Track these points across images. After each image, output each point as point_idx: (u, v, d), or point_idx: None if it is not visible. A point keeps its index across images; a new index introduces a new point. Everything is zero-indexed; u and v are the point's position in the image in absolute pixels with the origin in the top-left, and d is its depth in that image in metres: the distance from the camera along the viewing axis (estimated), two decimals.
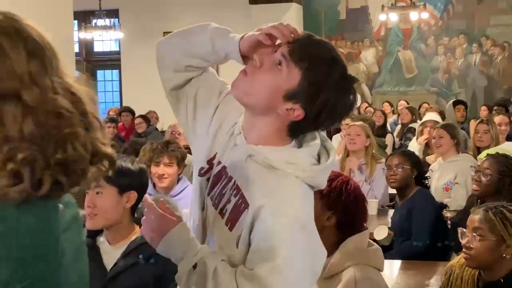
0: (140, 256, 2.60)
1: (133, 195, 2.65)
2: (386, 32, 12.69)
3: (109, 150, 1.36)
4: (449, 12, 12.45)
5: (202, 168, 1.87)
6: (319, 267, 1.73)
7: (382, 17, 11.16)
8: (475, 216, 2.69)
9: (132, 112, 11.17)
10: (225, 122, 1.87)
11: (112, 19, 12.89)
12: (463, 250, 2.71)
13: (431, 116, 7.52)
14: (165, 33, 13.15)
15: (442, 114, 8.20)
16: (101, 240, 2.71)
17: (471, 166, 4.57)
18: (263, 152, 1.73)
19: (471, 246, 2.65)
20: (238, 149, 1.78)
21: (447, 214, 4.68)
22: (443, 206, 4.71)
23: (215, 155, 1.85)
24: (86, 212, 2.63)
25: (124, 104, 12.87)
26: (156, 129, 9.90)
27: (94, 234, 2.71)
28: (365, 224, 2.62)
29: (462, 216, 4.43)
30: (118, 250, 2.65)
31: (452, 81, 12.56)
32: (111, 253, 2.66)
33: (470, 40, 12.39)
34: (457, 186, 5.13)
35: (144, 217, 1.79)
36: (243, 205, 1.71)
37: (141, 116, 10.31)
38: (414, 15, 10.92)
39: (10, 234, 1.19)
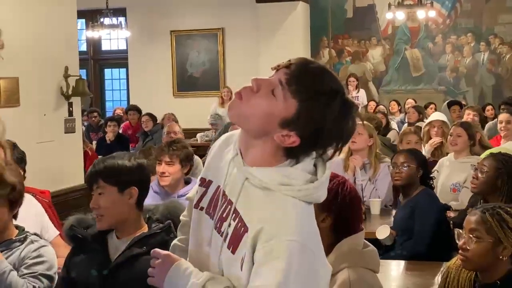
0: (144, 248, 2.68)
1: (134, 190, 2.73)
2: (393, 30, 12.65)
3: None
4: (457, 10, 12.39)
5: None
6: (323, 286, 1.73)
7: (389, 15, 11.12)
8: (472, 217, 2.67)
9: (139, 110, 11.21)
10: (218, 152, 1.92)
11: (119, 18, 12.89)
12: (459, 251, 2.69)
13: (438, 115, 7.48)
14: (172, 31, 13.26)
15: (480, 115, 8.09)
16: (111, 234, 2.81)
17: (471, 165, 4.55)
18: (258, 175, 1.73)
19: (468, 247, 2.63)
20: (236, 172, 1.79)
21: (451, 214, 4.65)
22: (447, 207, 4.68)
23: (206, 179, 1.90)
24: (94, 214, 2.74)
25: (131, 103, 12.88)
26: (163, 127, 9.88)
27: (105, 231, 2.81)
28: (361, 225, 2.61)
29: (463, 216, 4.41)
30: (125, 243, 2.75)
31: (460, 80, 12.50)
32: (118, 246, 2.76)
33: (478, 38, 12.33)
34: (465, 190, 5.09)
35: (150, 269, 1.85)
36: (243, 228, 1.73)
37: (148, 114, 10.33)
38: (421, 13, 10.87)
39: None
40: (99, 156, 7.70)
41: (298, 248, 1.64)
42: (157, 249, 1.86)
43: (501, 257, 2.60)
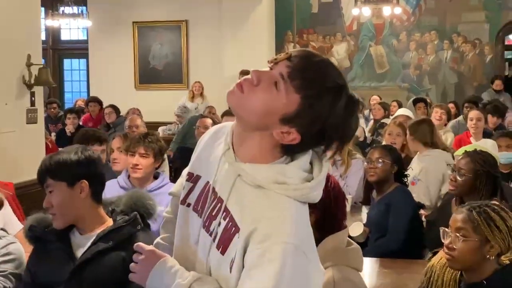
0: (110, 243, 2.58)
1: (84, 184, 2.62)
2: (358, 26, 12.65)
3: None
4: (421, 8, 12.44)
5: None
6: None
7: (355, 11, 11.10)
8: (458, 216, 2.60)
9: (99, 102, 11.01)
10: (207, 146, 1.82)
11: (80, 7, 12.65)
12: (445, 250, 2.62)
13: (403, 111, 7.49)
14: (134, 22, 13.05)
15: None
16: (73, 231, 2.69)
17: (448, 164, 4.52)
18: (251, 171, 1.63)
19: (454, 246, 2.57)
20: (227, 168, 1.68)
21: (422, 211, 4.62)
22: (421, 205, 4.66)
23: (194, 174, 1.80)
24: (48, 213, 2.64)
25: (91, 94, 12.65)
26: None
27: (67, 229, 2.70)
28: (344, 223, 2.52)
29: (437, 215, 4.38)
30: (89, 239, 2.64)
31: (423, 77, 12.57)
32: (81, 243, 2.65)
33: (442, 36, 12.41)
34: (420, 183, 5.11)
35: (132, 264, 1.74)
36: (234, 228, 1.62)
37: (111, 106, 10.14)
38: (387, 10, 10.87)
39: None
40: (59, 148, 7.56)
41: (292, 251, 1.54)
42: (141, 244, 1.74)
43: (488, 256, 2.55)
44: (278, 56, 1.63)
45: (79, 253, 2.61)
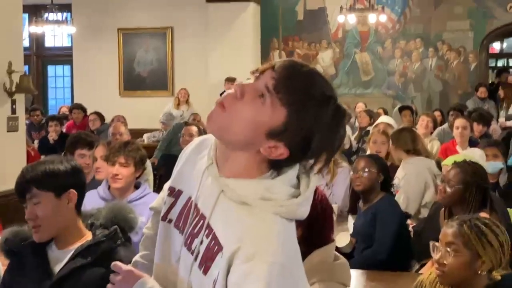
0: (89, 258, 2.49)
1: (73, 194, 2.54)
2: (344, 34, 12.63)
3: None
4: (406, 15, 12.44)
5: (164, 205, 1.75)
6: None
7: (341, 18, 11.08)
8: (449, 230, 2.55)
9: (83, 109, 10.93)
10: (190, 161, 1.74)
11: (64, 13, 12.55)
12: (436, 266, 2.56)
13: (384, 118, 7.48)
14: (119, 29, 12.96)
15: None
16: (50, 245, 2.58)
17: (437, 175, 4.48)
18: (235, 187, 1.55)
19: (445, 262, 2.51)
20: (211, 183, 1.61)
21: (409, 221, 4.58)
22: (408, 215, 4.62)
23: (175, 189, 1.72)
24: (30, 225, 2.52)
25: (75, 101, 12.53)
26: None
27: (44, 242, 2.58)
28: (332, 236, 2.47)
29: (425, 225, 4.34)
30: (67, 254, 2.54)
31: (408, 85, 12.56)
32: (59, 257, 2.55)
33: (427, 44, 12.41)
34: (400, 191, 5.09)
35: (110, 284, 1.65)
36: (217, 247, 1.54)
37: (95, 113, 10.06)
38: (372, 18, 10.87)
39: None
40: (42, 156, 7.45)
41: (278, 270, 1.47)
42: (118, 263, 1.66)
43: (479, 272, 2.49)
44: (260, 67, 1.57)
45: (56, 268, 2.51)
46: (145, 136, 10.87)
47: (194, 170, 1.69)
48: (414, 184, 5.21)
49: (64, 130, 9.96)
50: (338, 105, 1.55)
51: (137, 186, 4.03)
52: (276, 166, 1.57)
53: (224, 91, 11.30)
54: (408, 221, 4.58)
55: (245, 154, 1.56)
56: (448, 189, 3.69)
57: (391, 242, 4.17)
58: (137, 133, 10.16)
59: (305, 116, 1.50)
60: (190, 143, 1.82)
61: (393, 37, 12.52)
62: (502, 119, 10.72)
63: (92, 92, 12.67)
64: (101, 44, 12.87)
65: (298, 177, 1.61)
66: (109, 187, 3.99)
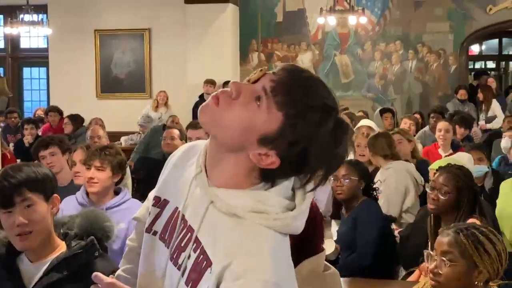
0: (65, 272, 2.33)
1: (57, 199, 2.42)
2: (323, 36, 12.54)
3: None
4: (386, 17, 12.39)
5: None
6: None
7: (321, 20, 10.99)
8: (444, 239, 2.45)
9: (60, 111, 10.78)
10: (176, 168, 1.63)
11: (40, 15, 12.35)
12: (430, 276, 2.46)
13: (365, 122, 7.43)
14: (96, 30, 12.77)
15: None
16: (21, 258, 2.40)
17: (426, 183, 4.38)
18: (226, 198, 1.44)
19: (440, 271, 2.41)
20: (199, 193, 1.49)
21: (394, 226, 4.51)
22: (392, 219, 4.53)
23: (161, 199, 1.61)
24: (14, 233, 2.31)
25: (51, 103, 12.34)
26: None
27: (13, 254, 2.40)
28: (322, 245, 2.36)
29: (411, 231, 4.25)
30: (41, 267, 2.36)
31: (388, 87, 12.51)
32: (32, 271, 2.37)
33: (407, 46, 12.36)
34: (381, 196, 5.03)
35: None
36: (205, 262, 1.43)
37: (68, 117, 9.92)
38: (352, 19, 10.80)
39: None
40: (18, 160, 7.28)
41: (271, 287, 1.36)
42: (99, 274, 1.51)
43: (476, 283, 2.39)
44: (251, 76, 1.46)
45: (29, 284, 2.35)
46: (123, 139, 10.72)
47: (181, 178, 1.58)
48: (394, 188, 5.15)
49: (40, 133, 9.78)
50: (340, 119, 1.44)
51: (117, 192, 3.91)
52: (268, 177, 1.46)
53: (203, 94, 11.20)
54: (394, 226, 4.50)
55: (234, 159, 1.45)
56: (441, 197, 3.52)
57: (374, 246, 4.11)
58: (114, 136, 10.01)
59: (302, 125, 1.40)
60: (176, 150, 1.71)
61: (373, 39, 12.46)
62: (482, 122, 10.70)
63: (68, 94, 12.48)
64: (78, 45, 12.68)
65: (293, 189, 1.50)
66: (87, 193, 3.86)
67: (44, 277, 2.34)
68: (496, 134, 8.89)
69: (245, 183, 1.46)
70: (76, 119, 9.87)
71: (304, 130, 1.40)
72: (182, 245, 1.49)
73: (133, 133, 10.81)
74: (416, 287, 2.67)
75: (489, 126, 10.46)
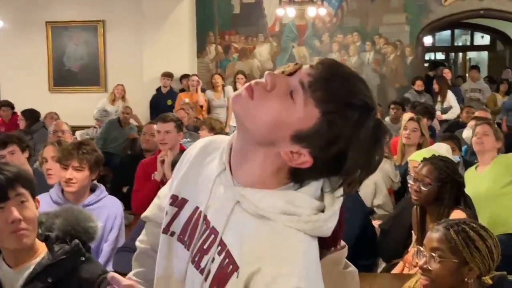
0: (49, 280, 2.18)
1: (37, 199, 2.27)
2: (281, 27, 12.46)
3: None
4: (343, 9, 12.38)
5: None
6: None
7: (280, 12, 10.91)
8: (434, 235, 2.38)
9: (11, 106, 10.52)
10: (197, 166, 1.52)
11: None
12: (420, 272, 2.40)
13: None
14: (47, 22, 12.43)
15: None
16: None
17: (409, 174, 4.34)
18: (253, 199, 1.34)
19: (429, 268, 2.35)
20: (224, 192, 1.38)
21: (375, 220, 4.46)
22: (371, 211, 4.48)
23: (178, 197, 1.50)
24: (7, 230, 2.15)
25: (2, 98, 11.98)
26: (44, 126, 9.17)
27: None
28: (341, 241, 2.25)
29: (392, 223, 4.20)
30: (22, 273, 2.20)
31: None
32: (13, 279, 2.20)
33: (364, 38, 12.39)
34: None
35: None
36: (231, 266, 1.32)
37: (22, 113, 9.68)
38: (312, 11, 10.76)
39: None
40: None
41: None
42: (116, 275, 1.39)
43: (466, 279, 2.33)
44: (286, 68, 1.36)
45: None
46: (78, 133, 10.45)
47: (201, 176, 1.47)
48: (362, 185, 5.08)
49: None
50: (379, 120, 1.35)
51: (93, 189, 3.76)
52: (297, 177, 1.37)
53: (160, 87, 11.01)
54: (375, 221, 4.45)
55: (263, 155, 1.35)
56: (423, 188, 3.50)
57: (354, 241, 4.03)
58: None
59: (339, 123, 1.30)
60: (193, 145, 1.59)
61: (330, 31, 12.44)
62: (438, 113, 10.79)
63: (20, 88, 12.14)
64: (29, 38, 12.33)
65: (321, 189, 1.40)
66: (62, 190, 3.69)
67: (26, 286, 2.18)
68: (456, 125, 8.96)
69: (273, 182, 1.37)
70: (32, 114, 9.60)
71: (342, 129, 1.30)
72: (205, 247, 1.39)
73: (88, 127, 10.58)
74: (408, 284, 2.61)
75: (445, 117, 10.56)
